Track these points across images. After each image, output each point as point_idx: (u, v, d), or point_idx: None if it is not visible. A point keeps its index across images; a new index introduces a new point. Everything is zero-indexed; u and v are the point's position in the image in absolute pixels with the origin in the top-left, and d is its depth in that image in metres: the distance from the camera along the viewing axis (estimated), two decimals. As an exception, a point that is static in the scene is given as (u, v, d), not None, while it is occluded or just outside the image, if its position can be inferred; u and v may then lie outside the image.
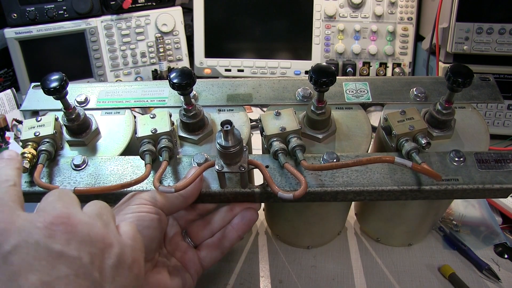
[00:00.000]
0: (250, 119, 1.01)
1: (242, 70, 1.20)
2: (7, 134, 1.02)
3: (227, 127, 0.41)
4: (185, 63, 1.23)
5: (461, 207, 0.74)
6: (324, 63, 0.61)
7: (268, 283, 0.65)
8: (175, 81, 0.49)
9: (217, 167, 0.47)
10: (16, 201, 0.34)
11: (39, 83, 0.53)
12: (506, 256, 0.68)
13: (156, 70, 1.19)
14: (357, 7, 1.12)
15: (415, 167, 0.47)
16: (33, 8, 1.11)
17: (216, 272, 0.67)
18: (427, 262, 0.67)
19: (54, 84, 0.49)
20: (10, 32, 1.11)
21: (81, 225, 0.33)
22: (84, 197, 0.45)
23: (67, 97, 0.53)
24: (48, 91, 0.50)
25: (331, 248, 0.71)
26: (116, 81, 1.19)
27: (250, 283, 0.65)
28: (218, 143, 0.45)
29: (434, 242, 0.71)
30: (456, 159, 0.51)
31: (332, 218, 0.67)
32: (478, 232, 0.71)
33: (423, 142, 0.49)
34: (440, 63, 0.92)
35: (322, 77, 0.47)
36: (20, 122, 1.04)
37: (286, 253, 0.70)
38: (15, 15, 1.11)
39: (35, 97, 0.62)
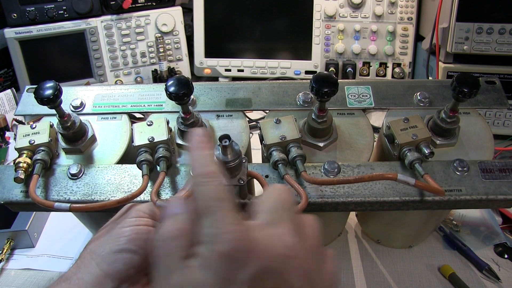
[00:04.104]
0: (250, 119, 1.01)
1: (242, 70, 1.19)
2: (7, 134, 1.01)
3: (225, 141, 0.40)
4: (185, 63, 1.22)
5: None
6: (326, 72, 0.59)
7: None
8: (171, 90, 0.47)
9: (215, 180, 0.45)
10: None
11: (33, 86, 0.52)
12: (506, 256, 0.67)
13: (156, 70, 1.18)
14: (357, 7, 1.10)
15: (418, 185, 0.45)
16: (33, 8, 1.10)
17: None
18: (427, 262, 0.67)
19: (47, 93, 0.48)
20: (10, 32, 1.10)
21: None
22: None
23: (62, 103, 0.51)
24: (41, 101, 0.48)
25: (331, 249, 0.70)
26: (116, 81, 1.18)
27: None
28: (216, 157, 0.43)
29: (434, 242, 0.71)
30: (460, 168, 0.50)
31: (332, 223, 0.67)
32: (478, 232, 0.70)
33: (427, 152, 0.48)
34: (440, 63, 0.91)
35: (324, 87, 0.46)
36: (20, 122, 1.04)
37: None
38: (15, 15, 1.10)
39: (30, 101, 0.61)
